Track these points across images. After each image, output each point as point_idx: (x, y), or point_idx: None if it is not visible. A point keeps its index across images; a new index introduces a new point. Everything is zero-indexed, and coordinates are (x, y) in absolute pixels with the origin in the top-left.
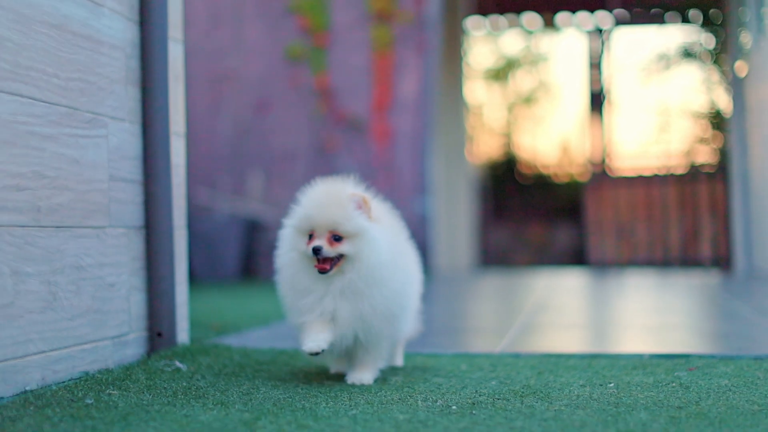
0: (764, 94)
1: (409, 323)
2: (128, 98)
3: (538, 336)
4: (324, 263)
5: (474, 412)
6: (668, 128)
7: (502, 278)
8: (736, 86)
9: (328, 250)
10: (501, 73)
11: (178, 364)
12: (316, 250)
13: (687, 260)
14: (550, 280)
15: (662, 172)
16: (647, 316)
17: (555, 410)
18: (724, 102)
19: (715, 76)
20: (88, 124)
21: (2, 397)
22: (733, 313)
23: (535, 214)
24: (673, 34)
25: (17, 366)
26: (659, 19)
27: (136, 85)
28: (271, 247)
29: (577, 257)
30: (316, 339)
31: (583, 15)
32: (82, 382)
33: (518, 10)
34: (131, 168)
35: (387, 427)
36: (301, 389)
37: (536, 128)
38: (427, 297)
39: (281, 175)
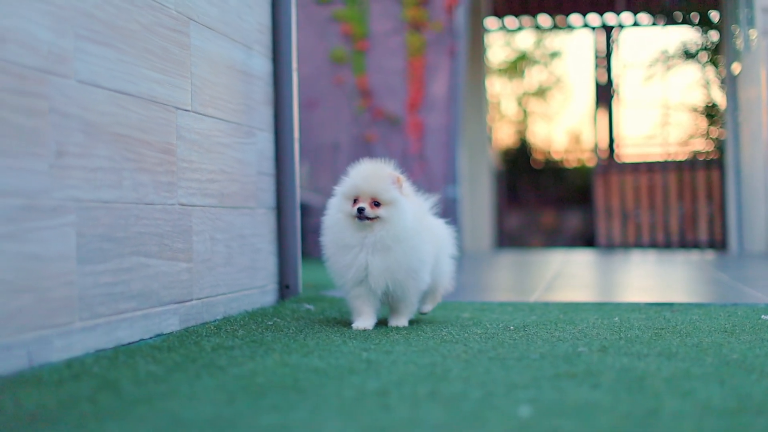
0: (753, 94)
1: (427, 282)
2: (267, 115)
3: (560, 292)
4: (363, 218)
5: (526, 329)
6: (669, 121)
7: (522, 257)
8: (731, 84)
9: (369, 211)
10: (517, 67)
11: (307, 306)
12: (361, 210)
13: (686, 242)
14: (564, 257)
15: (663, 158)
16: (646, 281)
17: (579, 329)
18: (719, 98)
19: (712, 74)
20: (246, 134)
21: (207, 321)
22: (716, 280)
23: (547, 200)
24: (674, 35)
25: (213, 302)
26: (662, 21)
27: (270, 105)
28: (317, 228)
29: (586, 240)
30: (364, 321)
31: (592, 16)
32: (253, 315)
33: (531, 13)
34: (269, 165)
35: (472, 335)
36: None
37: (549, 118)
38: (464, 270)
39: (325, 165)
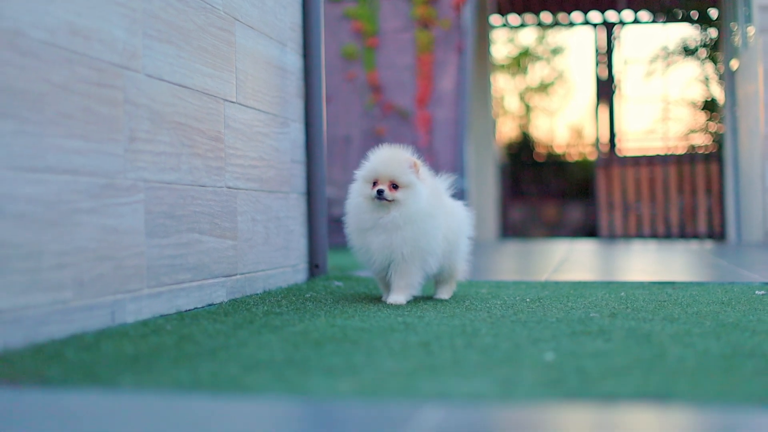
0: (751, 90)
1: (433, 266)
2: (298, 107)
3: (568, 274)
4: (382, 199)
5: (541, 301)
6: (669, 116)
7: (527, 246)
8: (729, 80)
9: (388, 194)
10: (520, 62)
11: (336, 283)
12: (380, 192)
13: (685, 234)
14: (569, 246)
15: (663, 152)
16: (648, 265)
17: (589, 301)
18: (718, 93)
19: (711, 70)
20: (281, 125)
21: (249, 294)
22: (714, 264)
23: (549, 192)
24: (674, 32)
25: (254, 278)
26: (662, 18)
27: (301, 98)
28: (331, 218)
29: (587, 231)
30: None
31: (593, 13)
32: (290, 290)
33: (533, 10)
34: (301, 153)
35: (493, 305)
36: (430, 293)
37: (551, 113)
38: (474, 256)
39: (338, 158)
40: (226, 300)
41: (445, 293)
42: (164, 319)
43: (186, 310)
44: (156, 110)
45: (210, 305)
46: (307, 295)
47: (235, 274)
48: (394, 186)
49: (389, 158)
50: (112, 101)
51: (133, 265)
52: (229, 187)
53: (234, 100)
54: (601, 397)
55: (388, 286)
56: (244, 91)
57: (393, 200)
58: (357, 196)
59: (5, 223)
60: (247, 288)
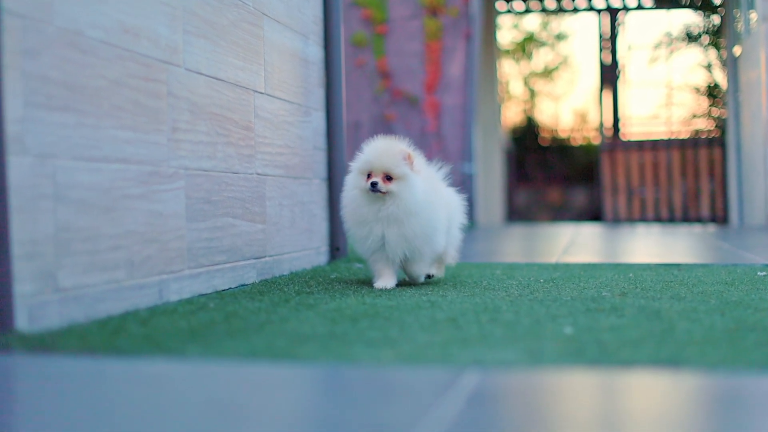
0: (753, 75)
1: (442, 245)
2: (320, 96)
3: (577, 256)
4: (376, 191)
5: (554, 281)
6: (672, 101)
7: (534, 229)
8: (732, 66)
9: (382, 186)
10: (524, 48)
11: (357, 265)
12: (374, 184)
13: (689, 218)
14: (575, 230)
15: (667, 137)
16: (654, 248)
17: (600, 281)
18: (721, 79)
19: (714, 56)
20: (304, 113)
21: (277, 275)
22: (717, 247)
23: (554, 177)
24: (677, 18)
25: (280, 260)
26: (666, 4)
27: (322, 87)
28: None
29: (591, 215)
30: (385, 281)
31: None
32: (314, 271)
33: None
34: (322, 141)
35: (509, 285)
36: (446, 275)
37: (556, 98)
38: (484, 239)
39: (348, 143)
40: (256, 281)
41: (433, 271)
42: (205, 297)
43: (222, 290)
44: (195, 102)
45: (243, 285)
46: (332, 276)
47: (264, 256)
48: (388, 178)
49: (383, 150)
50: (157, 94)
51: (176, 247)
52: (258, 174)
53: (263, 91)
54: (620, 364)
55: (385, 270)
56: (272, 83)
57: (387, 192)
58: (352, 188)
59: (68, 209)
60: (275, 269)
